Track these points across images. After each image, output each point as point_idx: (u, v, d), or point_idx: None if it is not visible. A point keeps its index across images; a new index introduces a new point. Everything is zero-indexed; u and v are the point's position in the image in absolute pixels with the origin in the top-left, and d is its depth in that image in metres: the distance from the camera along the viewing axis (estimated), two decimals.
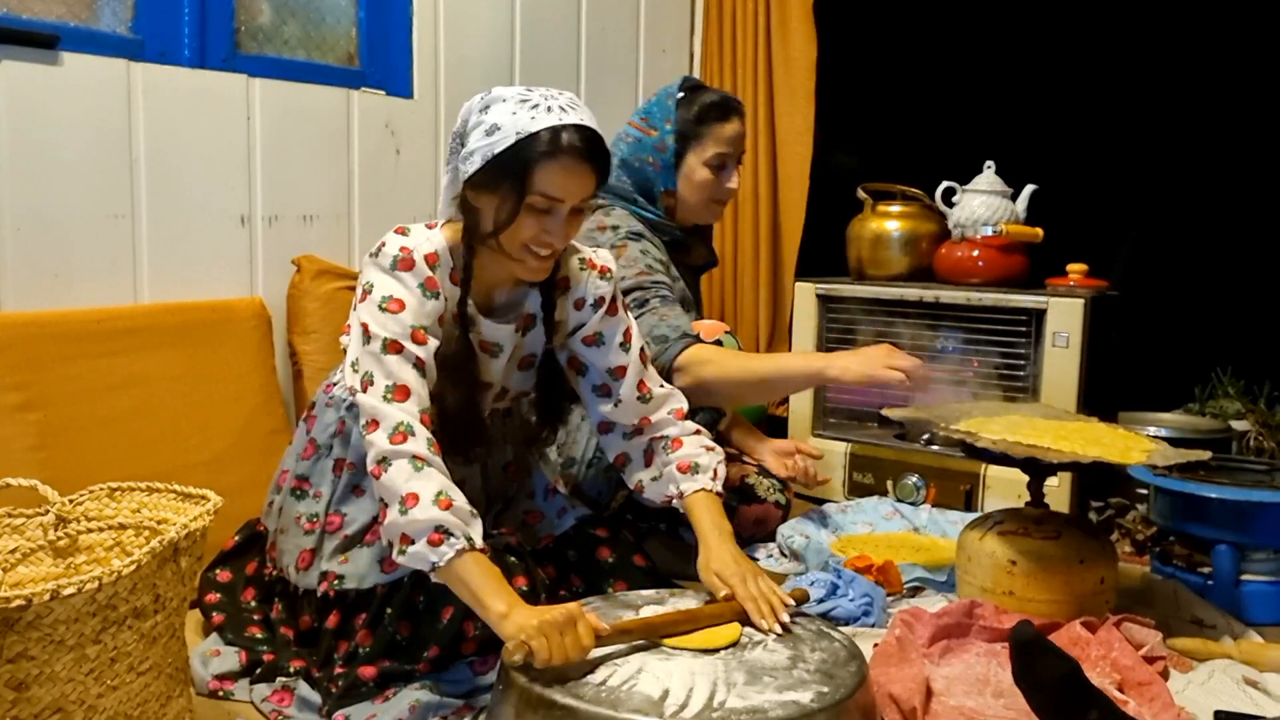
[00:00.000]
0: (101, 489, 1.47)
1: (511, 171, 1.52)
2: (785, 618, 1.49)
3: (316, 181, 2.44)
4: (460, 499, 1.42)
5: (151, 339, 2.09)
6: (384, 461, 1.43)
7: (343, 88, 2.49)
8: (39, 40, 1.96)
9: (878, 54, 3.13)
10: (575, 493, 1.94)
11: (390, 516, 1.41)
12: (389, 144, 2.58)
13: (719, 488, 1.71)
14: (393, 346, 1.50)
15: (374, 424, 1.46)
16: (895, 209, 2.84)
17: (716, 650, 1.41)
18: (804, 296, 2.84)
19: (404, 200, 2.62)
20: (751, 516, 2.31)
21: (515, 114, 1.52)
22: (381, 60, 2.64)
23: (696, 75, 3.43)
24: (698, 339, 2.00)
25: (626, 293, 1.97)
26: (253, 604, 1.76)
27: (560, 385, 1.80)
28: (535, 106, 1.53)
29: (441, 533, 1.38)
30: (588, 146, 1.53)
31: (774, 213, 3.24)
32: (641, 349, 1.77)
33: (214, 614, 1.73)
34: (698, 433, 1.77)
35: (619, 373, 1.74)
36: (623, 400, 1.74)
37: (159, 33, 2.22)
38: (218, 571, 1.80)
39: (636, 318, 1.91)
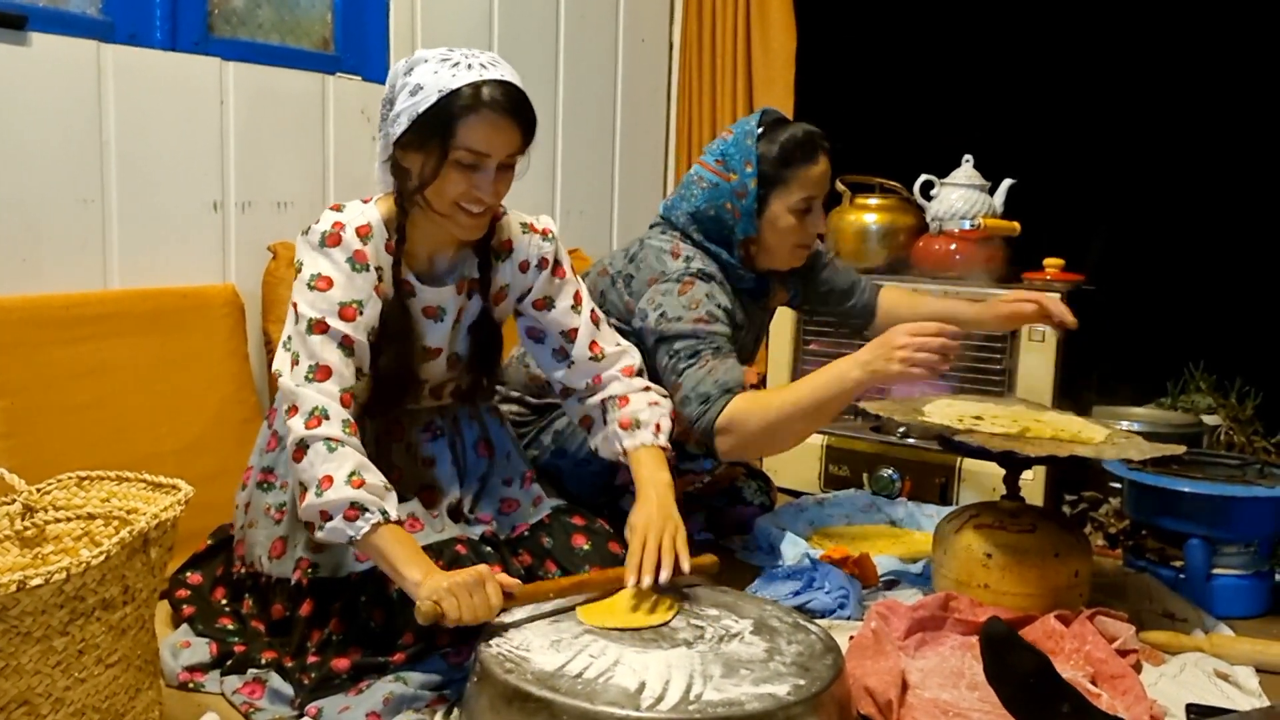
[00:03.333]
0: (70, 478, 1.45)
1: (436, 128, 1.54)
2: (665, 575, 1.53)
3: (291, 167, 2.41)
4: (373, 476, 1.47)
5: (122, 325, 2.06)
6: (302, 445, 1.48)
7: (318, 73, 2.46)
8: (7, 20, 1.92)
9: (857, 46, 3.13)
10: (563, 494, 1.91)
11: (307, 499, 1.46)
12: (364, 130, 2.55)
13: (662, 441, 1.73)
14: (318, 327, 1.54)
15: (293, 409, 1.51)
16: (874, 202, 2.84)
17: (640, 629, 1.45)
18: None
19: (379, 185, 2.59)
20: (737, 519, 2.31)
21: (437, 73, 1.55)
22: (357, 45, 2.62)
23: (675, 65, 3.41)
24: (742, 388, 1.83)
25: (680, 337, 1.87)
26: (223, 601, 1.75)
27: (493, 339, 1.81)
28: (456, 65, 1.56)
29: (357, 508, 1.43)
30: (509, 101, 1.56)
31: None
32: (593, 310, 1.81)
33: (184, 606, 1.72)
34: (646, 389, 1.79)
35: (571, 334, 1.78)
36: (575, 361, 1.78)
37: (130, 14, 2.18)
38: (188, 574, 1.80)
39: (685, 368, 1.85)
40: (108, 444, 1.96)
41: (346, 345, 1.56)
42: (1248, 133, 2.69)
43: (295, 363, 1.54)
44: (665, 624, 1.47)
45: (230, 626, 1.67)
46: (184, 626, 1.69)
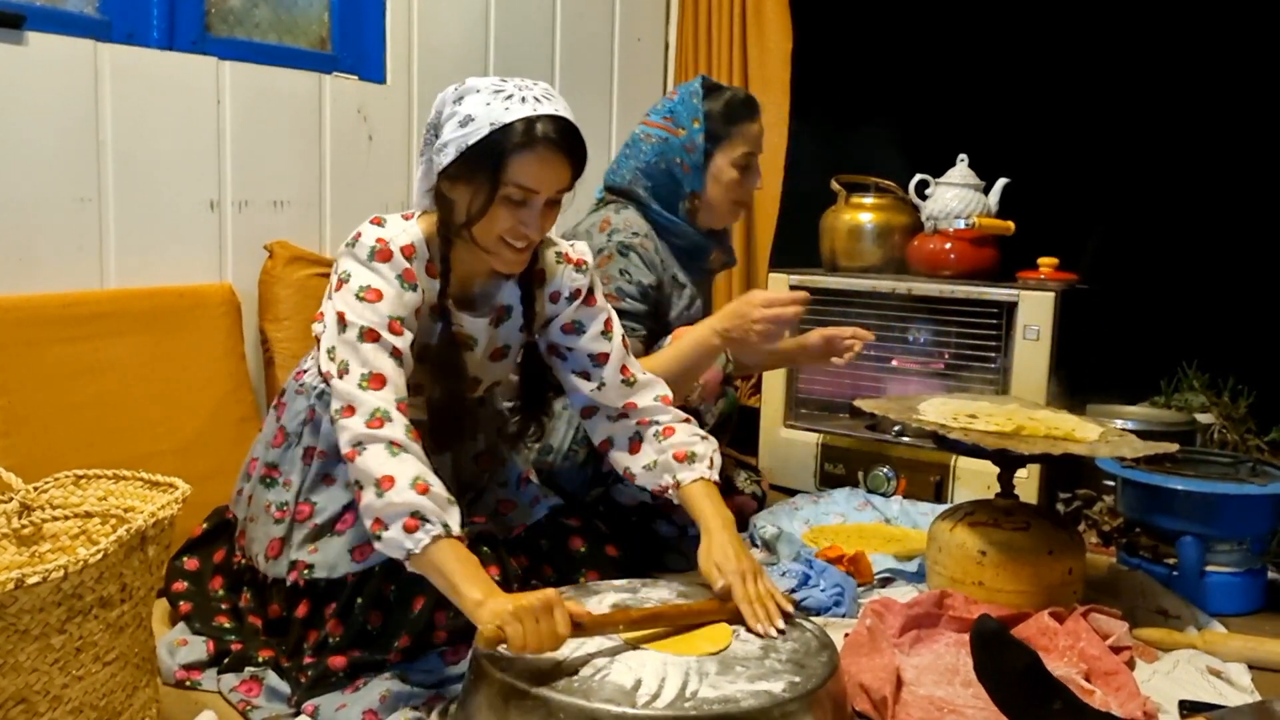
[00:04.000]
0: (67, 476, 1.45)
1: (486, 163, 1.51)
2: (781, 623, 1.47)
3: (287, 167, 2.42)
4: (438, 485, 1.41)
5: (118, 324, 2.06)
6: (359, 445, 1.42)
7: (315, 72, 2.46)
8: (4, 20, 1.92)
9: (852, 46, 3.13)
10: (550, 484, 1.92)
11: (366, 499, 1.40)
12: (361, 130, 2.56)
13: (716, 476, 1.70)
14: (369, 335, 1.49)
15: (349, 409, 1.45)
16: (869, 201, 2.85)
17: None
18: (778, 288, 2.84)
19: (376, 187, 2.60)
20: (731, 509, 2.31)
21: (489, 104, 1.51)
22: (354, 45, 2.62)
23: (672, 66, 3.42)
24: None
25: None
26: (220, 593, 1.74)
27: (544, 379, 1.79)
28: (509, 97, 1.51)
29: (418, 518, 1.37)
30: (562, 137, 1.52)
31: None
32: (623, 337, 1.77)
33: (181, 603, 1.71)
34: (687, 420, 1.76)
35: (600, 359, 1.74)
36: (606, 383, 1.73)
37: (127, 13, 2.18)
38: (185, 559, 1.78)
39: None
40: (105, 442, 1.96)
41: (397, 357, 1.51)
42: (1241, 133, 2.69)
43: (345, 371, 1.48)
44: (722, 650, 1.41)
45: (227, 625, 1.67)
46: (181, 624, 1.69)
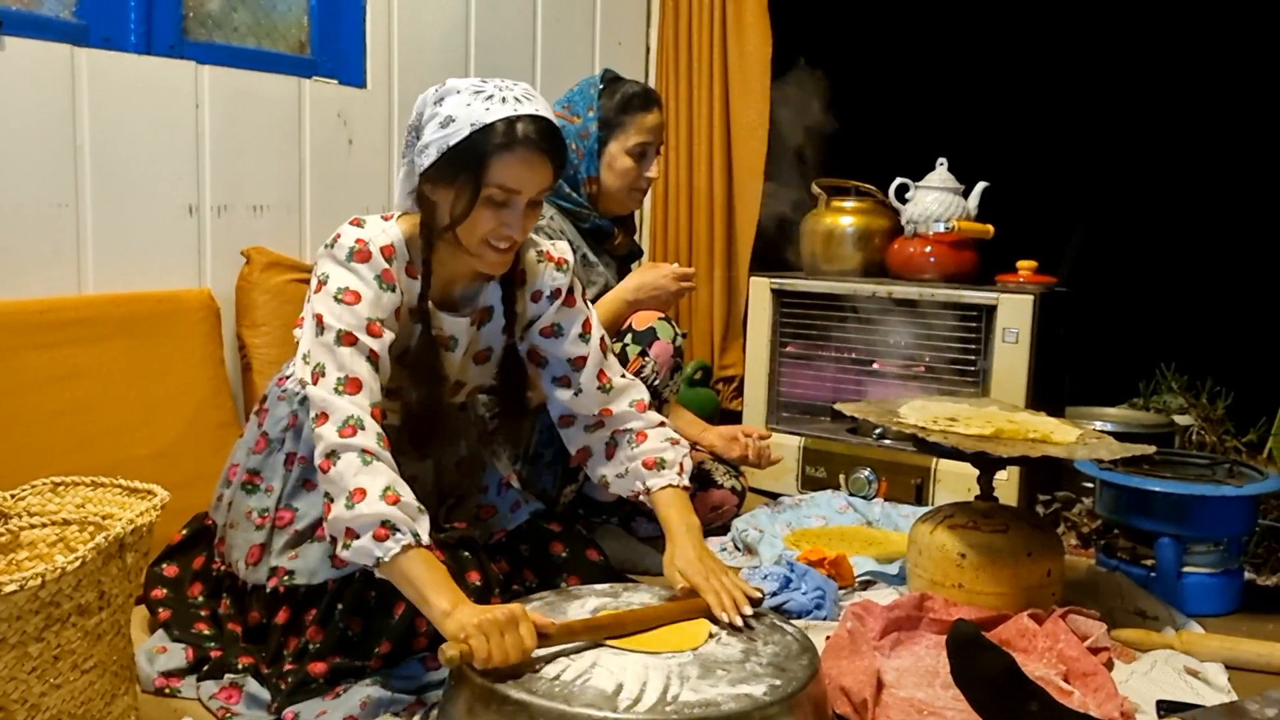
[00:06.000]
0: (45, 483, 1.44)
1: (467, 164, 1.51)
2: (747, 610, 1.49)
3: (267, 171, 2.41)
4: (408, 495, 1.42)
5: (96, 330, 2.05)
6: (333, 455, 1.42)
7: (294, 76, 2.46)
8: None
9: (832, 50, 3.14)
10: (523, 485, 1.93)
11: (335, 511, 1.40)
12: (341, 134, 2.55)
13: (685, 482, 1.71)
14: (347, 338, 1.49)
15: (324, 416, 1.45)
16: (849, 204, 2.86)
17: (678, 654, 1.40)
18: (758, 291, 2.85)
19: (356, 191, 2.59)
20: (709, 503, 2.32)
21: (470, 105, 1.51)
22: (334, 49, 2.61)
23: (653, 70, 3.43)
24: None
25: None
26: (200, 599, 1.73)
27: (522, 380, 1.79)
28: (490, 98, 1.52)
29: (388, 528, 1.37)
30: (543, 137, 1.52)
31: (728, 208, 3.25)
32: (601, 338, 1.77)
33: (160, 610, 1.70)
34: (661, 425, 1.77)
35: (578, 363, 1.74)
36: (583, 389, 1.73)
37: (104, 18, 2.17)
38: (164, 566, 1.77)
39: None
40: (83, 449, 1.95)
41: (374, 360, 1.51)
42: (1219, 137, 2.72)
43: (321, 375, 1.48)
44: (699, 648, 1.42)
45: (207, 632, 1.66)
46: (160, 631, 1.68)
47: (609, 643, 1.40)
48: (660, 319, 2.13)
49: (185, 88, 2.24)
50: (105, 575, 1.25)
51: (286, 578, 1.59)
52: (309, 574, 1.58)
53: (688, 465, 1.73)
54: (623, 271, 2.38)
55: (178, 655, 1.60)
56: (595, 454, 1.77)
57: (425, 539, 1.40)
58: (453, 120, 1.51)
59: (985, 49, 2.94)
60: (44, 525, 1.36)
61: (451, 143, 1.51)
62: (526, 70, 3.06)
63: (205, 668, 1.58)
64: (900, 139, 2.95)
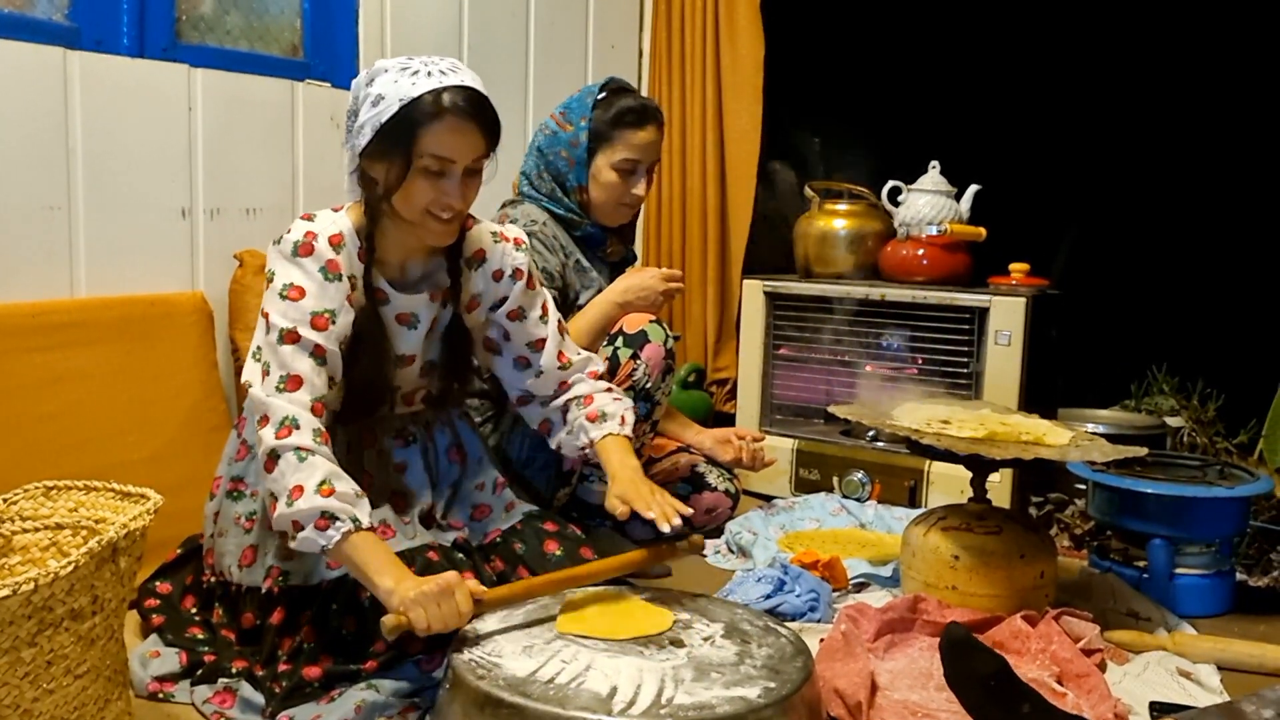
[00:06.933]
0: (37, 487, 1.44)
1: (399, 137, 1.56)
2: (676, 521, 1.58)
3: (260, 174, 2.41)
4: (343, 484, 1.47)
5: (89, 333, 2.05)
6: (274, 456, 1.48)
7: (287, 79, 2.45)
8: None
9: (825, 53, 3.15)
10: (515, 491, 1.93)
11: (279, 509, 1.46)
12: (334, 137, 2.54)
13: (627, 431, 1.78)
14: (289, 337, 1.55)
15: (264, 419, 1.51)
16: (842, 207, 2.86)
17: (643, 638, 1.43)
18: (751, 294, 2.85)
19: (349, 195, 2.58)
20: (703, 505, 2.32)
21: (397, 82, 1.57)
22: (327, 52, 2.61)
23: (645, 72, 3.43)
24: None
25: None
26: (193, 610, 1.74)
27: (465, 346, 1.82)
28: (415, 73, 1.57)
29: (327, 518, 1.43)
30: (470, 105, 1.57)
31: (721, 211, 3.25)
32: (559, 320, 1.84)
33: (153, 615, 1.70)
34: (608, 389, 1.84)
35: (538, 345, 1.81)
36: (544, 370, 1.81)
37: (96, 20, 2.17)
38: (157, 584, 1.79)
39: None
40: (75, 453, 1.94)
41: (318, 355, 1.56)
42: (1210, 139, 2.73)
43: (266, 373, 1.54)
44: (662, 634, 1.46)
45: (200, 636, 1.66)
46: (153, 636, 1.67)
47: (572, 634, 1.44)
48: (652, 322, 2.13)
49: (178, 90, 2.24)
50: (98, 580, 1.25)
51: (281, 578, 1.60)
52: (304, 574, 1.59)
53: (629, 417, 1.80)
54: (615, 277, 2.39)
55: (171, 660, 1.60)
56: (555, 423, 1.85)
57: (366, 522, 1.45)
58: (382, 98, 1.57)
59: (977, 52, 2.95)
60: (36, 530, 1.35)
61: (383, 119, 1.56)
62: (519, 74, 3.06)
63: (199, 672, 1.58)
64: (893, 142, 2.96)
